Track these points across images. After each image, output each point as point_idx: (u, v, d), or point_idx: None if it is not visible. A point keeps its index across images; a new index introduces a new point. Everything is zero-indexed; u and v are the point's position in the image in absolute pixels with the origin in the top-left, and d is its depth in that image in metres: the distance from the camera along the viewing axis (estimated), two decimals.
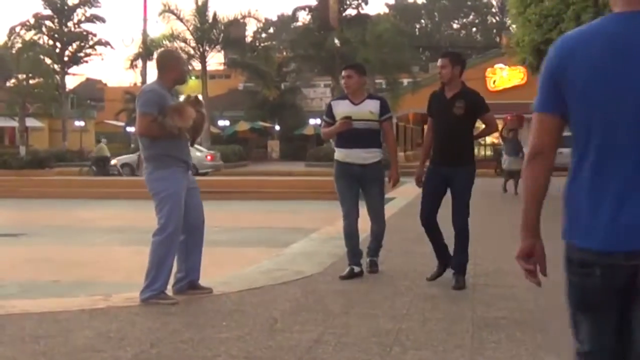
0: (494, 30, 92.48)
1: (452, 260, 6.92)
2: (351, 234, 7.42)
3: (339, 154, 7.41)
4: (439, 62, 6.94)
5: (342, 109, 7.35)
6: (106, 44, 58.60)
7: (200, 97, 6.84)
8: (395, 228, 11.69)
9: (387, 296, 6.45)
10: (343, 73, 7.46)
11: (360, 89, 7.42)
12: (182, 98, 6.62)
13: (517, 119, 21.48)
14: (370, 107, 7.28)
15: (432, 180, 6.89)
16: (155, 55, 40.03)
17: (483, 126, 7.33)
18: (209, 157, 34.22)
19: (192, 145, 6.53)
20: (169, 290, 6.33)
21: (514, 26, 22.77)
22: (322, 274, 7.54)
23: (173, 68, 6.38)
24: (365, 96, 7.40)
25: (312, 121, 55.20)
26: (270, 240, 12.43)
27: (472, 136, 7.07)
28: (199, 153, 34.57)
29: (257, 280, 7.18)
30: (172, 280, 6.38)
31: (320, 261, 8.31)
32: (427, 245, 9.38)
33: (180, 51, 40.60)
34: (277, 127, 56.21)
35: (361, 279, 7.25)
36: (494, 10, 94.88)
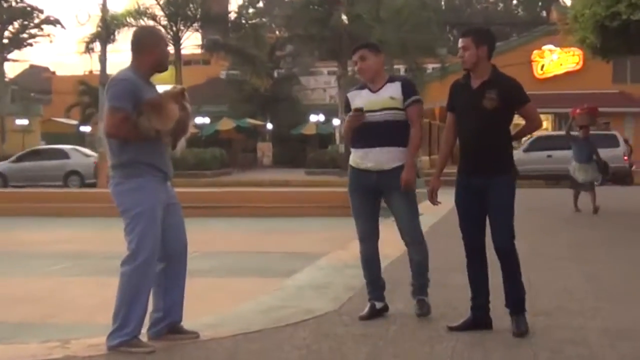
0: (539, 3, 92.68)
1: (506, 298, 6.68)
2: (369, 260, 7.33)
3: (353, 156, 7.28)
4: (460, 42, 6.71)
5: (360, 100, 7.18)
6: (55, 22, 58.89)
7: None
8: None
9: (423, 341, 6.34)
10: (354, 56, 7.27)
11: (379, 72, 7.23)
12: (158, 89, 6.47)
13: (589, 112, 18.95)
14: (390, 92, 7.09)
15: (464, 198, 6.73)
16: (116, 36, 40.47)
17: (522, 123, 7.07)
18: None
19: (173, 148, 6.42)
20: (144, 335, 6.20)
21: None
22: (338, 313, 7.43)
23: (152, 50, 6.26)
24: (386, 80, 7.21)
25: (313, 118, 55.22)
26: (267, 268, 12.31)
27: (509, 135, 6.82)
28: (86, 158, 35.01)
29: (255, 322, 7.08)
30: (147, 322, 6.26)
31: (334, 296, 8.21)
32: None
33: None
34: (270, 126, 56.25)
35: (387, 318, 7.13)
36: None
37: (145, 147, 6.05)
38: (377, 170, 7.03)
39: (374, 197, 7.19)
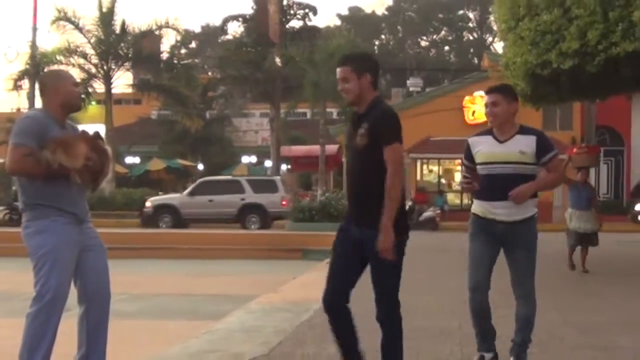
0: (471, 50, 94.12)
1: None
2: (481, 311, 6.78)
3: (478, 207, 6.84)
4: (338, 73, 5.93)
5: (484, 148, 6.76)
6: None
7: (103, 129, 6.61)
8: (356, 297, 11.55)
9: None
10: (486, 99, 6.84)
11: (509, 120, 6.73)
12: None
13: (589, 152, 16.65)
14: (521, 146, 6.62)
15: (342, 244, 5.94)
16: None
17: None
18: None
19: (93, 191, 6.33)
20: None
21: (501, 44, 23.07)
22: (268, 358, 7.35)
23: (56, 91, 6.12)
24: (516, 130, 6.73)
25: (244, 159, 55.18)
26: (195, 311, 12.20)
27: None
28: None
29: None
30: None
31: (264, 340, 8.12)
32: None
33: (77, 69, 40.49)
34: (201, 167, 56.07)
35: None
36: (471, 25, 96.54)
37: (50, 188, 5.93)
38: (504, 221, 6.64)
39: (497, 247, 6.77)
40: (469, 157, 6.84)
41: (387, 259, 5.56)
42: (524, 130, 6.71)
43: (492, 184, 6.58)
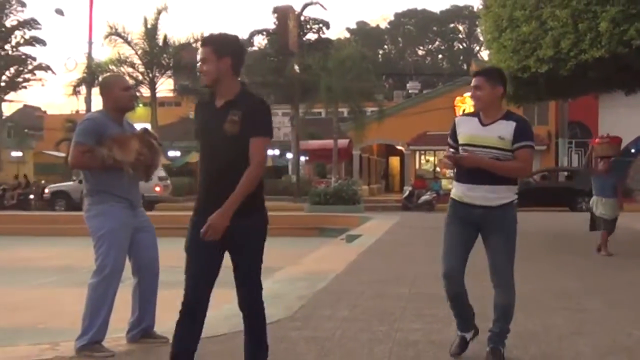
0: (461, 57, 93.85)
1: None
2: (457, 295, 5.79)
3: (456, 190, 5.83)
4: (199, 53, 5.06)
5: (466, 129, 5.77)
6: (47, 68, 58.24)
7: (149, 128, 6.68)
8: (365, 268, 11.61)
9: (364, 343, 6.32)
10: (472, 82, 5.83)
11: (494, 104, 5.70)
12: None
13: (612, 142, 14.98)
14: (500, 131, 5.60)
15: (197, 243, 4.91)
16: (100, 80, 40.06)
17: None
18: None
19: (147, 180, 6.38)
20: (122, 339, 6.15)
21: (486, 52, 22.97)
22: (291, 319, 7.37)
23: (109, 94, 6.22)
24: (501, 115, 5.69)
25: (269, 152, 55.04)
26: (227, 281, 12.15)
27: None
28: None
29: (218, 327, 6.98)
30: (125, 327, 6.23)
31: (287, 305, 8.12)
32: (403, 285, 9.31)
33: (126, 76, 40.52)
34: None
35: (335, 323, 7.08)
36: (461, 36, 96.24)
37: (108, 178, 6.01)
38: (481, 205, 5.63)
39: (473, 232, 5.74)
40: (454, 136, 5.86)
41: (207, 236, 4.69)
42: (507, 116, 5.69)
43: (472, 168, 5.61)
